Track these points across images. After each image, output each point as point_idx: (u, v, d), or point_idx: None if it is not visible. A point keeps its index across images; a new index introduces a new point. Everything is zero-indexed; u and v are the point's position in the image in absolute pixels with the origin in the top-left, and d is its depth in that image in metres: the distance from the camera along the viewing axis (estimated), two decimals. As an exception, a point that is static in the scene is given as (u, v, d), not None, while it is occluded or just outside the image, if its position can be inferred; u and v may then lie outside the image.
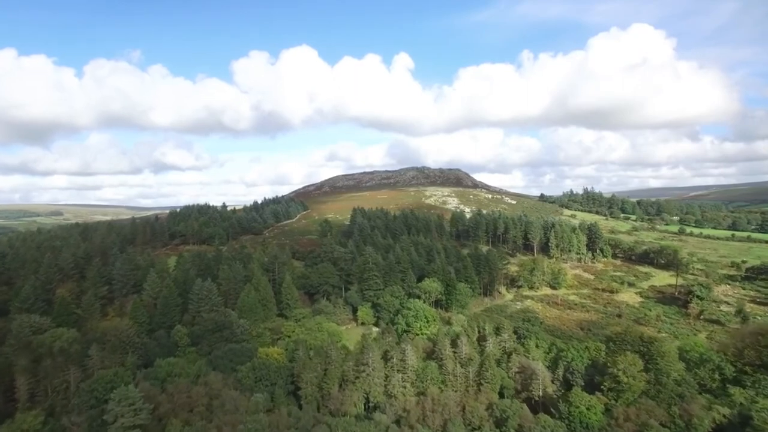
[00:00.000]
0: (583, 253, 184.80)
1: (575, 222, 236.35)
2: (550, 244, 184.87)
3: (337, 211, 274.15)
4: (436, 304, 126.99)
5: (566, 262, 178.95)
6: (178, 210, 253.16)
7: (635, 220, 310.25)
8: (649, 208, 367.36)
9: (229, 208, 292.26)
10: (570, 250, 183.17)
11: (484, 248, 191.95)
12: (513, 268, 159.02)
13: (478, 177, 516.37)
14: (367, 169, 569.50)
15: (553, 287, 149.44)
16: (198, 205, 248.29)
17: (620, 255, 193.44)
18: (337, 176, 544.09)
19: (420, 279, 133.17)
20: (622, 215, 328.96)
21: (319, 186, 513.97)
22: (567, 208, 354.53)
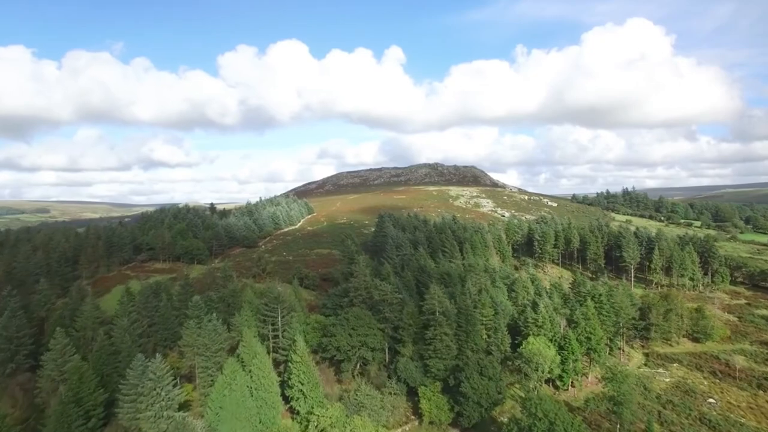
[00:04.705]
0: (697, 279, 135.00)
1: (643, 231, 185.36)
2: (653, 266, 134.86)
3: (350, 215, 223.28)
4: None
5: (678, 291, 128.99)
6: (146, 211, 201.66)
7: (700, 227, 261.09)
8: (705, 211, 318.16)
9: (221, 208, 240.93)
10: (682, 275, 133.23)
11: (544, 267, 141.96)
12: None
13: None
14: (373, 166, 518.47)
15: (695, 339, 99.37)
16: (175, 207, 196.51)
17: (741, 280, 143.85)
18: (340, 173, 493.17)
19: (512, 335, 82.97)
20: (682, 221, 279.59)
21: (321, 184, 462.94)
22: (612, 211, 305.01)
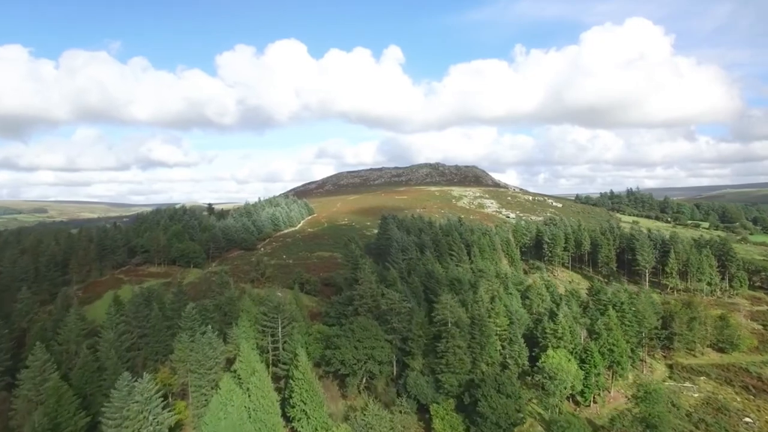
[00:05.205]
0: (715, 283, 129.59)
1: (648, 232, 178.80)
2: (668, 270, 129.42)
3: (351, 216, 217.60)
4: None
5: (697, 297, 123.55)
6: (144, 211, 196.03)
7: (708, 228, 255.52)
8: (711, 212, 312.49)
9: (219, 208, 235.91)
10: (700, 279, 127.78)
11: (554, 271, 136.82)
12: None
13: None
14: (373, 166, 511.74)
15: (720, 349, 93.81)
16: (171, 208, 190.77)
17: (759, 284, 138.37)
18: (340, 173, 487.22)
19: (528, 347, 77.34)
20: (689, 222, 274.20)
21: (321, 184, 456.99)
22: (618, 212, 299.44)
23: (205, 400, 59.98)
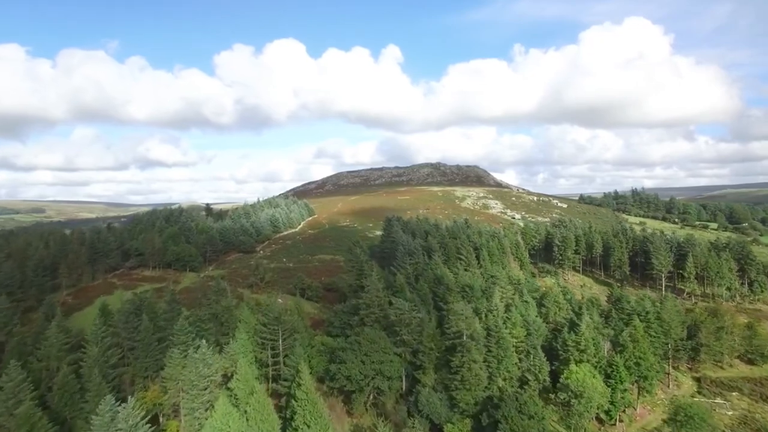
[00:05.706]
0: (735, 288, 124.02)
1: (673, 235, 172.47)
2: (685, 274, 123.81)
3: (353, 217, 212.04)
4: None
5: (717, 303, 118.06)
6: (143, 212, 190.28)
7: (717, 229, 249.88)
8: (719, 212, 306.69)
9: (218, 208, 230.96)
10: (719, 284, 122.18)
11: (564, 275, 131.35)
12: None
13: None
14: (373, 166, 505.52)
15: (750, 361, 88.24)
16: (167, 209, 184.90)
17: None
18: (340, 173, 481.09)
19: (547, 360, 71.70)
20: (696, 223, 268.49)
21: (321, 183, 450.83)
22: (624, 212, 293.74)
23: (199, 423, 54.28)
